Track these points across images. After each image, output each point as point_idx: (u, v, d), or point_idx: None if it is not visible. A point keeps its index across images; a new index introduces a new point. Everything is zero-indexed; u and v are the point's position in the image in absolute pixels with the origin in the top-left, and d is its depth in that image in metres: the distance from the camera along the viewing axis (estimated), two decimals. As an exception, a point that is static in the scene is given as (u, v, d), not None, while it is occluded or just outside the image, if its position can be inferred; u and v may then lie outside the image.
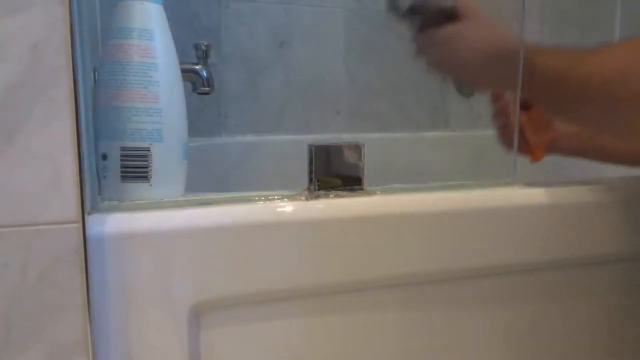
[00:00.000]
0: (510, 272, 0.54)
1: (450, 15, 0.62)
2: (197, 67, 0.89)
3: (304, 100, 1.09)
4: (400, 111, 1.15)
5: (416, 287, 0.51)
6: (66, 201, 0.37)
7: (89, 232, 0.39)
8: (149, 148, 0.46)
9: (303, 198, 0.47)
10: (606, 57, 0.51)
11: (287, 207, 0.46)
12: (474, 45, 0.61)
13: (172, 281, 0.42)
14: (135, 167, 0.46)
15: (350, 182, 0.49)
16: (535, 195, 0.54)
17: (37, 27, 0.35)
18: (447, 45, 0.62)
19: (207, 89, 0.89)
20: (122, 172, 0.46)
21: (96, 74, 0.47)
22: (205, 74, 0.88)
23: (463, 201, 0.52)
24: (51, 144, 0.36)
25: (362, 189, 0.50)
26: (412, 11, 0.62)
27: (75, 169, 0.37)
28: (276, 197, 0.47)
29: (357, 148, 0.50)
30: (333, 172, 0.49)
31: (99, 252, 0.40)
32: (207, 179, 0.57)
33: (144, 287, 0.42)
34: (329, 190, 0.49)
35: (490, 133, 0.70)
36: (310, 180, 0.48)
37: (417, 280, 0.51)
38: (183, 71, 0.50)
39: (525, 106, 0.67)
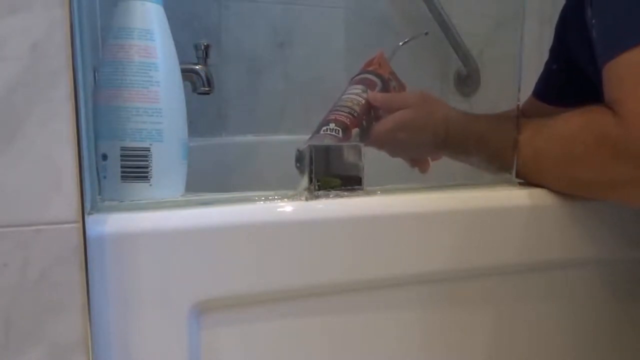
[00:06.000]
0: (510, 272, 0.54)
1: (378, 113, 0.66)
2: (197, 67, 0.89)
3: (304, 100, 1.09)
4: (400, 111, 1.15)
5: (416, 287, 0.51)
6: (66, 201, 0.37)
7: (89, 232, 0.39)
8: (149, 148, 0.46)
9: (303, 198, 0.47)
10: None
11: (287, 207, 0.46)
12: (420, 134, 0.66)
13: (172, 281, 0.42)
14: (135, 167, 0.46)
15: (350, 182, 0.49)
16: (535, 195, 0.54)
17: (37, 27, 0.35)
18: (395, 141, 0.66)
19: (207, 89, 0.89)
20: (122, 172, 0.46)
21: (96, 74, 0.47)
22: (205, 74, 0.88)
23: (463, 201, 0.52)
24: (51, 144, 0.36)
25: (362, 189, 0.50)
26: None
27: (75, 169, 0.37)
28: (276, 197, 0.47)
29: (357, 148, 0.50)
30: (333, 172, 0.49)
31: (99, 252, 0.40)
32: (207, 179, 0.57)
33: (143, 287, 0.42)
34: (329, 190, 0.48)
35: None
36: (310, 180, 0.48)
37: (417, 280, 0.51)
38: (183, 71, 0.50)
39: None
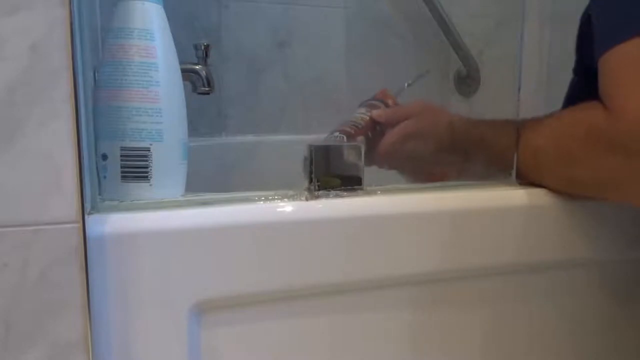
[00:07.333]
0: (509, 272, 0.54)
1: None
2: (197, 67, 0.88)
3: (304, 100, 1.09)
4: (400, 111, 1.15)
5: (416, 287, 0.51)
6: (66, 201, 0.37)
7: (89, 232, 0.39)
8: (149, 148, 0.46)
9: (303, 198, 0.47)
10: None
11: (287, 207, 0.46)
12: (427, 142, 0.67)
13: (172, 281, 0.42)
14: (136, 167, 0.46)
15: (350, 182, 0.49)
16: (534, 195, 0.54)
17: (37, 27, 0.35)
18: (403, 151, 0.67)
19: (207, 89, 0.89)
20: (122, 172, 0.46)
21: (96, 74, 0.47)
22: (205, 74, 0.88)
23: (463, 201, 0.52)
24: (51, 144, 0.36)
25: (362, 189, 0.50)
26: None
27: (75, 169, 0.37)
28: (276, 197, 0.47)
29: (357, 148, 0.50)
30: (333, 172, 0.49)
31: (99, 252, 0.40)
32: (207, 179, 0.57)
33: (144, 287, 0.42)
34: (329, 190, 0.49)
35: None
36: (310, 180, 0.48)
37: (417, 280, 0.51)
38: (183, 71, 0.50)
39: None
